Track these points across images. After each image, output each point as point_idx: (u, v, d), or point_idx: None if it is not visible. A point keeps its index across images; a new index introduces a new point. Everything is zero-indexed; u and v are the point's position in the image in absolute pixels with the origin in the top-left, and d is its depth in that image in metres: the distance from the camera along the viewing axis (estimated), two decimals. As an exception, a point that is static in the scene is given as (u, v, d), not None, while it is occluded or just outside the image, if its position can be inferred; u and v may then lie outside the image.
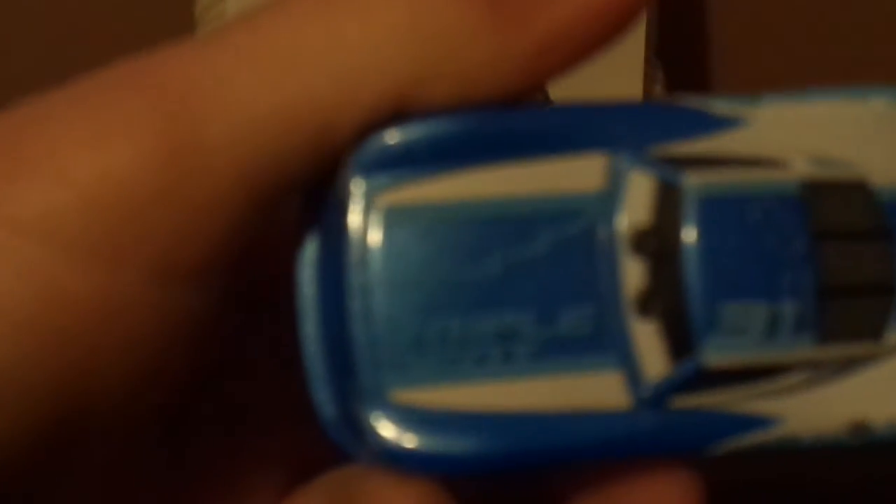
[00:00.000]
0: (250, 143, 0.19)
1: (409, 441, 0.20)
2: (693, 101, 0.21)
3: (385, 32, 0.19)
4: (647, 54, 1.21)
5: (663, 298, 0.20)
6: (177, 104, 0.19)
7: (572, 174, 0.21)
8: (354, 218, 0.20)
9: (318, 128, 0.19)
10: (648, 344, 0.20)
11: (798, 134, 0.21)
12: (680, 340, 0.20)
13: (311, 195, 0.21)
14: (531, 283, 0.20)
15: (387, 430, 0.20)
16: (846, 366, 0.20)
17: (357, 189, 0.21)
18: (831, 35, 1.36)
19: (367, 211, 0.20)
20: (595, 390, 0.20)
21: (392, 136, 0.20)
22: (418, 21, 0.19)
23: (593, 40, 0.20)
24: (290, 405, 0.23)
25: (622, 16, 0.19)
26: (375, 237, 0.20)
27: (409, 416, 0.20)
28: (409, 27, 0.19)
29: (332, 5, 0.19)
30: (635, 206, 0.20)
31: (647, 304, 0.20)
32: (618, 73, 1.20)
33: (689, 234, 0.20)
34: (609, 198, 0.20)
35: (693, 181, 0.20)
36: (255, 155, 0.19)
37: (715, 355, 0.20)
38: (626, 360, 0.20)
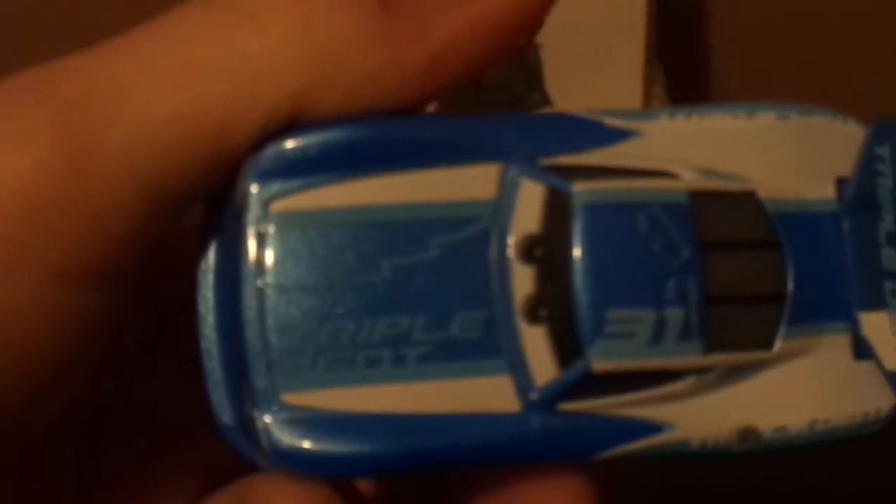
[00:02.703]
0: (149, 149, 0.19)
1: (301, 443, 0.21)
2: (588, 114, 0.22)
3: (279, 41, 0.19)
4: (647, 54, 1.21)
5: (551, 305, 0.20)
6: (75, 112, 0.19)
7: (465, 183, 0.21)
8: (250, 223, 0.20)
9: (216, 135, 0.19)
10: (537, 349, 0.21)
11: (688, 147, 0.21)
12: (567, 346, 0.20)
13: (212, 201, 0.21)
14: (423, 287, 0.21)
15: (279, 432, 0.21)
16: (735, 372, 0.21)
17: (253, 195, 0.21)
18: (832, 34, 1.37)
19: (262, 217, 0.21)
20: (485, 394, 0.21)
21: (287, 144, 0.21)
22: (312, 30, 0.19)
23: (486, 54, 0.20)
24: (202, 412, 0.23)
25: (515, 30, 0.19)
26: (270, 242, 0.21)
27: (301, 419, 0.21)
28: (303, 36, 0.19)
29: (228, 14, 0.19)
30: (525, 213, 0.21)
31: (536, 310, 0.21)
32: (618, 73, 1.20)
33: (577, 242, 0.20)
34: (500, 206, 0.21)
35: (580, 189, 0.20)
36: (153, 161, 0.19)
37: (602, 360, 0.20)
38: (516, 365, 0.21)
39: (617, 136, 0.21)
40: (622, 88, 1.22)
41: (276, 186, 0.21)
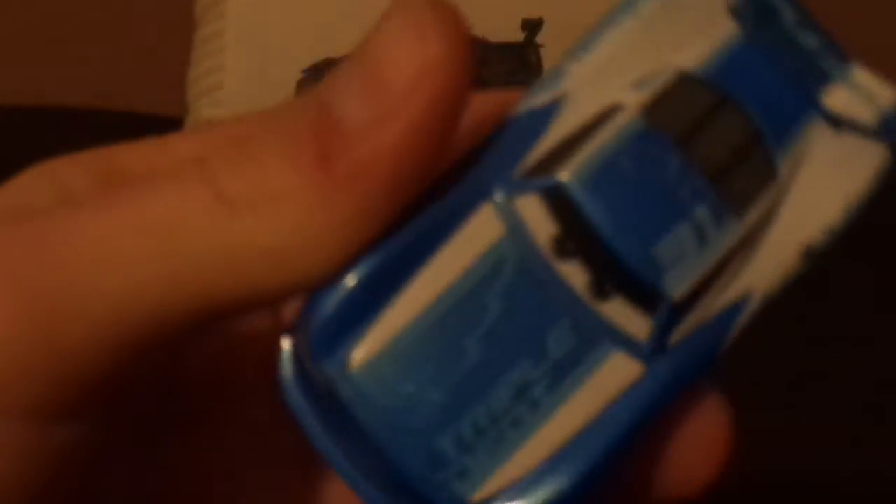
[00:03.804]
0: (127, 301, 0.19)
1: None
2: (518, 109, 0.22)
3: (247, 225, 0.20)
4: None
5: (609, 277, 0.21)
6: (50, 266, 0.19)
7: (475, 238, 0.21)
8: (348, 396, 0.21)
9: (197, 291, 0.20)
10: (624, 315, 0.21)
11: (609, 75, 0.22)
12: (644, 297, 0.21)
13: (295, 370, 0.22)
14: (509, 338, 0.21)
15: None
16: (769, 213, 0.22)
17: (328, 374, 0.21)
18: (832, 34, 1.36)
19: (348, 384, 0.21)
20: (612, 378, 0.21)
21: (323, 313, 0.21)
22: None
23: (423, 160, 0.21)
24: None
25: (440, 130, 0.20)
26: (365, 401, 0.21)
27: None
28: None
29: (194, 189, 0.20)
30: (538, 225, 0.21)
31: (601, 289, 0.21)
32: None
33: (595, 217, 0.21)
34: (515, 234, 0.21)
35: (566, 176, 0.21)
36: (130, 310, 0.20)
37: (676, 289, 0.21)
38: (617, 338, 0.21)
39: (552, 109, 0.22)
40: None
41: (339, 353, 0.21)
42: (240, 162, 0.20)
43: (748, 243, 0.22)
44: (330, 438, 0.22)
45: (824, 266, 0.22)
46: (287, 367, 0.22)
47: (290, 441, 0.22)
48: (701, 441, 0.22)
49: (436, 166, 0.20)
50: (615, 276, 0.21)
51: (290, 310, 0.22)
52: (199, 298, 0.20)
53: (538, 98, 0.21)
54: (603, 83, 0.22)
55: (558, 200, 0.21)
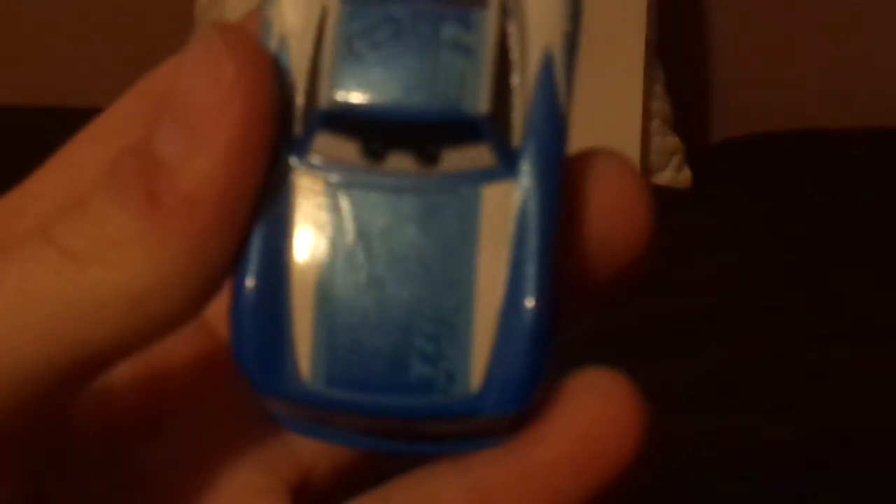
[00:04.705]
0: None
1: None
2: None
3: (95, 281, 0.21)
4: (646, 54, 1.22)
5: (428, 143, 0.22)
6: None
7: (310, 204, 0.22)
8: (320, 399, 0.22)
9: (61, 348, 0.21)
10: (463, 160, 0.22)
11: None
12: (466, 132, 0.22)
13: None
14: (396, 255, 0.22)
15: None
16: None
17: (289, 394, 0.22)
18: (832, 34, 1.37)
19: (312, 392, 0.22)
20: (498, 211, 0.22)
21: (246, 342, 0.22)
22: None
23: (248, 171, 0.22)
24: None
25: (251, 147, 0.21)
26: (336, 393, 0.22)
27: None
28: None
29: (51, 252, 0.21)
30: (342, 152, 0.22)
31: (429, 155, 0.22)
32: (618, 74, 1.21)
33: (376, 109, 0.22)
34: (333, 175, 0.22)
35: (327, 99, 0.21)
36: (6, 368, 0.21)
37: (480, 102, 0.21)
38: (474, 180, 0.22)
39: (281, 54, 0.22)
40: (622, 88, 1.22)
41: (286, 374, 0.22)
42: (76, 217, 0.21)
43: (509, 16, 0.22)
44: (358, 435, 0.22)
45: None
46: (282, 418, 0.22)
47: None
48: (608, 200, 0.22)
49: (261, 176, 0.21)
50: (430, 137, 0.21)
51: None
52: (66, 355, 0.20)
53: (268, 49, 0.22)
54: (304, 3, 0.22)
55: (336, 120, 0.21)
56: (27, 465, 0.22)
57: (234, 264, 0.21)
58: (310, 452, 0.24)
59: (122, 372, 0.24)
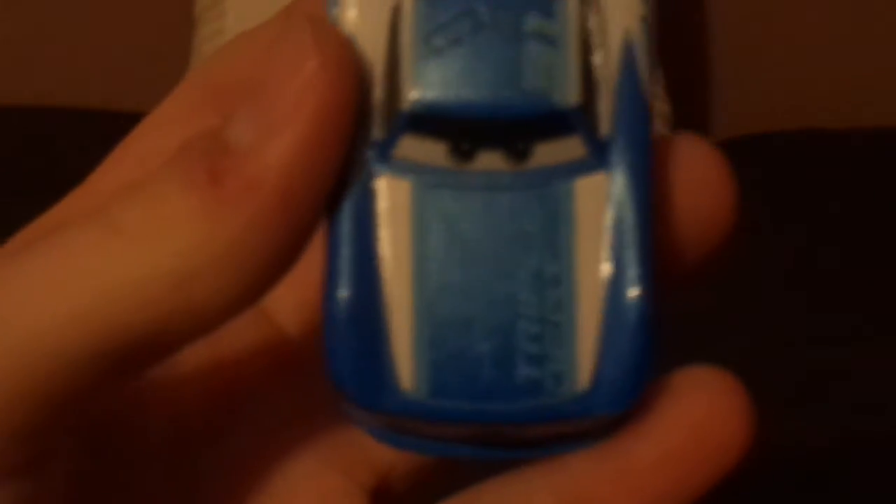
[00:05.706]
0: (28, 350, 0.20)
1: None
2: None
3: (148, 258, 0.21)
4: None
5: (517, 140, 0.21)
6: None
7: (394, 206, 0.22)
8: (421, 413, 0.21)
9: (101, 329, 0.20)
10: (556, 153, 0.21)
11: None
12: (556, 125, 0.21)
13: None
14: (492, 256, 0.21)
15: None
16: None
17: (390, 409, 0.21)
18: (832, 34, 1.37)
19: (414, 405, 0.21)
20: (592, 203, 0.21)
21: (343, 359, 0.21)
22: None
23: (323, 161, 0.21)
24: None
25: (331, 133, 0.21)
26: (441, 402, 0.22)
27: None
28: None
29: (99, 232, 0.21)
30: (429, 154, 0.21)
31: (520, 152, 0.21)
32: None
33: (461, 107, 0.21)
34: (419, 175, 0.21)
35: (411, 99, 0.21)
36: (35, 359, 0.20)
37: (570, 94, 0.21)
38: (567, 172, 0.21)
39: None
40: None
41: (387, 386, 0.21)
42: (132, 195, 0.20)
43: (587, 2, 0.21)
44: (456, 443, 0.22)
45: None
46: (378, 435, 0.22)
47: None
48: (698, 184, 0.22)
49: (332, 174, 0.21)
50: (520, 133, 0.21)
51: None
52: (108, 341, 0.20)
53: None
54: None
55: (423, 122, 0.21)
56: (78, 463, 0.21)
57: (293, 263, 0.20)
58: (387, 455, 0.23)
59: (192, 373, 0.24)
